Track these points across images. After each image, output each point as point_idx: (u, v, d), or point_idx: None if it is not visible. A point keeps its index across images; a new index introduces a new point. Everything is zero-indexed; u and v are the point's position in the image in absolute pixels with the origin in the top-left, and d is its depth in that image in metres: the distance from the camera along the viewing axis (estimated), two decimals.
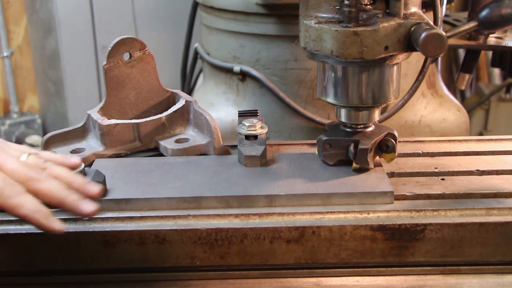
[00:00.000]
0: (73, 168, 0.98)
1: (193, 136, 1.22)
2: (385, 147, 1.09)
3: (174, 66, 2.40)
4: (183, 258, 0.97)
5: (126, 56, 1.22)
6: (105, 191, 1.02)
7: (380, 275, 0.99)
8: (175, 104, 1.25)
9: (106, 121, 1.18)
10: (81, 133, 1.22)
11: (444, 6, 1.70)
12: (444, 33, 0.95)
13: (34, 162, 0.92)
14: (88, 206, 0.89)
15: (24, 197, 0.86)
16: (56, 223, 0.86)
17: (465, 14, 1.70)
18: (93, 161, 1.15)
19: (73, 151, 1.17)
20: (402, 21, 0.98)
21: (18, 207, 0.85)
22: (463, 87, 1.67)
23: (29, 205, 0.85)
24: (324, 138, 1.10)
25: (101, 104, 1.23)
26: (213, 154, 1.17)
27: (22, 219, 0.86)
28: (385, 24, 0.97)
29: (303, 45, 1.04)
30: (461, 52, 2.73)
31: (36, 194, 0.87)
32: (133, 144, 1.20)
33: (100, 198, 1.01)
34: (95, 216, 0.99)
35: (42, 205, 0.87)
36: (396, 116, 1.65)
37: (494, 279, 0.98)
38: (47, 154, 0.97)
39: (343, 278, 0.99)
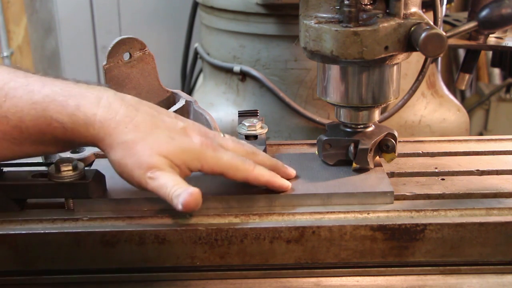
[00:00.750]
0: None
1: None
2: (385, 147, 1.09)
3: (174, 66, 2.40)
4: (183, 258, 0.97)
5: (126, 56, 1.22)
6: (105, 191, 1.02)
7: (380, 275, 0.99)
8: (175, 104, 1.25)
9: None
10: None
11: (444, 6, 1.71)
12: (444, 33, 0.95)
13: (232, 138, 1.04)
14: (293, 171, 1.06)
15: (258, 168, 1.00)
16: (287, 182, 1.02)
17: (465, 14, 1.70)
18: (93, 161, 1.15)
19: (73, 151, 1.17)
20: (402, 21, 0.98)
21: (260, 176, 0.99)
22: (463, 87, 1.67)
23: (265, 173, 1.00)
24: (324, 138, 1.10)
25: None
26: None
27: (264, 185, 1.00)
28: (385, 24, 0.97)
29: (303, 45, 1.04)
30: (461, 52, 2.73)
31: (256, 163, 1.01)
32: None
33: (100, 198, 1.01)
34: (96, 216, 0.99)
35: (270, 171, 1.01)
36: (396, 116, 1.65)
37: (494, 279, 0.98)
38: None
39: (343, 278, 0.99)
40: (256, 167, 0.99)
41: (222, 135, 1.03)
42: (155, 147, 0.92)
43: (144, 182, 0.91)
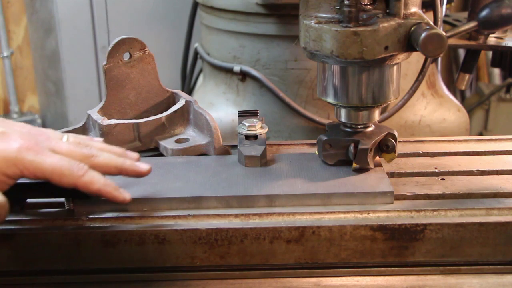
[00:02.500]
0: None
1: (193, 136, 1.22)
2: (385, 147, 1.09)
3: (174, 66, 2.40)
4: (183, 258, 0.97)
5: (126, 56, 1.22)
6: None
7: (380, 275, 0.99)
8: (175, 104, 1.25)
9: (106, 121, 1.18)
10: (81, 133, 1.21)
11: (444, 6, 1.71)
12: (444, 33, 0.95)
13: (76, 142, 0.97)
14: (145, 166, 0.99)
15: (92, 173, 0.93)
16: (125, 194, 0.96)
17: (465, 14, 1.70)
18: None
19: None
20: (402, 21, 0.98)
21: (90, 183, 0.92)
22: (463, 87, 1.67)
23: (100, 180, 0.93)
24: (324, 138, 1.10)
25: (101, 104, 1.23)
26: (213, 154, 1.17)
27: (95, 194, 0.93)
28: (385, 24, 0.97)
29: (303, 45, 1.04)
30: (461, 52, 2.73)
31: (94, 168, 0.94)
32: (133, 144, 1.20)
33: (100, 198, 1.01)
34: (96, 216, 0.99)
35: (108, 179, 0.94)
36: (396, 116, 1.66)
37: (494, 279, 0.98)
38: (75, 135, 1.01)
39: (343, 278, 0.99)
40: (88, 173, 0.92)
41: (65, 138, 0.96)
42: None
43: None
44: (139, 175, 0.99)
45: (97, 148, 0.98)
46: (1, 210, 0.86)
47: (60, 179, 0.91)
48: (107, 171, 0.96)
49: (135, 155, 1.02)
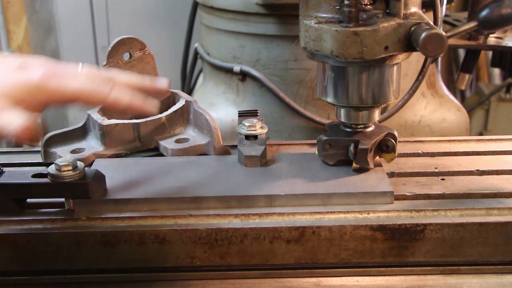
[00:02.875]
0: None
1: (193, 136, 1.22)
2: (385, 147, 1.09)
3: (174, 66, 2.40)
4: (183, 258, 0.97)
5: (126, 56, 1.22)
6: (105, 191, 1.02)
7: (380, 275, 0.99)
8: (175, 104, 1.25)
9: (106, 121, 1.17)
10: (81, 133, 1.21)
11: (444, 6, 1.71)
12: (444, 33, 0.95)
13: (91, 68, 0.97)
14: (164, 81, 1.00)
15: (117, 91, 0.92)
16: (151, 105, 0.95)
17: (465, 14, 1.70)
18: (93, 161, 1.15)
19: (73, 151, 1.17)
20: (402, 21, 0.98)
21: (118, 100, 0.92)
22: (463, 87, 1.67)
23: (126, 96, 0.93)
24: (324, 138, 1.10)
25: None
26: (213, 154, 1.17)
27: (124, 110, 0.95)
28: (385, 24, 0.97)
29: (303, 45, 1.04)
30: (461, 52, 2.73)
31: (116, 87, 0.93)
32: (133, 144, 1.20)
33: (100, 198, 1.01)
34: (96, 216, 0.99)
35: (133, 92, 0.94)
36: (396, 116, 1.66)
37: (494, 279, 0.98)
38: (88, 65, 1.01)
39: (343, 278, 0.99)
40: (113, 90, 0.92)
41: (80, 65, 0.96)
42: None
43: None
44: (159, 92, 1.00)
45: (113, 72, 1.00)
46: (34, 130, 0.84)
47: (88, 100, 0.91)
48: (128, 87, 0.96)
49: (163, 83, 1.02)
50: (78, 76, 0.93)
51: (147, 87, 0.99)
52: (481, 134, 2.92)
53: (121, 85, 0.95)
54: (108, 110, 1.02)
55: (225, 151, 1.17)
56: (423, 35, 0.94)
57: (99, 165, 1.12)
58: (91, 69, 0.96)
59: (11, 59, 0.93)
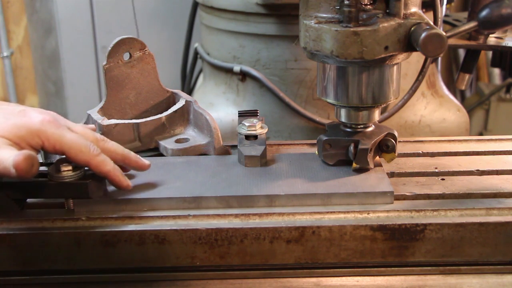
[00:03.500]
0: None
1: (193, 136, 1.22)
2: (385, 147, 1.09)
3: (174, 66, 2.40)
4: (183, 258, 0.97)
5: (126, 56, 1.22)
6: (105, 191, 1.02)
7: (380, 275, 0.99)
8: (175, 104, 1.25)
9: (106, 121, 1.18)
10: None
11: (444, 6, 1.71)
12: (444, 33, 0.95)
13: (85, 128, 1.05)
14: (146, 161, 1.05)
15: (104, 156, 0.99)
16: (128, 181, 1.01)
17: (465, 14, 1.70)
18: None
19: None
20: (402, 21, 0.98)
21: (103, 164, 0.98)
22: (463, 87, 1.67)
23: (110, 163, 0.99)
24: (324, 138, 1.10)
25: (101, 104, 1.23)
26: (213, 154, 1.17)
27: (104, 175, 0.98)
28: (385, 24, 0.97)
29: (303, 45, 1.04)
30: (461, 52, 2.73)
31: (104, 152, 1.00)
32: (133, 144, 1.20)
33: (100, 198, 1.01)
34: (96, 216, 0.99)
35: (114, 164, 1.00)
36: (396, 116, 1.66)
37: (494, 279, 0.98)
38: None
39: (343, 278, 0.99)
40: (101, 154, 0.98)
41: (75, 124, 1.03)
42: None
43: None
44: (140, 168, 1.05)
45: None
46: (31, 158, 0.88)
47: (77, 154, 0.96)
48: (113, 157, 1.01)
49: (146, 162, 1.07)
50: (74, 130, 0.99)
51: (131, 161, 1.04)
52: (481, 134, 2.92)
53: (109, 150, 1.01)
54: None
55: (225, 151, 1.17)
56: (423, 35, 0.94)
57: None
58: (86, 128, 1.03)
59: (13, 106, 0.99)
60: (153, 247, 0.96)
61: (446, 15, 1.80)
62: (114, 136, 1.17)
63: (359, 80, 1.05)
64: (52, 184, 0.98)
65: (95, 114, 1.20)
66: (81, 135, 0.99)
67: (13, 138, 0.93)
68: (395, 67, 1.06)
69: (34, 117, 0.96)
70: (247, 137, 1.15)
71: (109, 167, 0.98)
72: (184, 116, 1.24)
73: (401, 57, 1.03)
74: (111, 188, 1.03)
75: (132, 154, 1.04)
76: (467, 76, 1.64)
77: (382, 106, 1.10)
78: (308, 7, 1.03)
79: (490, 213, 0.99)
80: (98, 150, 0.98)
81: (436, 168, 1.12)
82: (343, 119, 1.11)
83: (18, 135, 0.93)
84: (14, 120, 0.94)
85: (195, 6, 2.07)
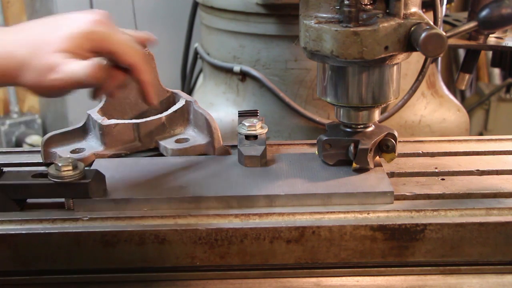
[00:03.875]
0: None
1: (193, 136, 1.22)
2: (385, 147, 1.09)
3: (174, 66, 2.40)
4: (183, 258, 0.97)
5: None
6: (105, 191, 1.02)
7: (380, 275, 0.99)
8: (175, 104, 1.25)
9: (106, 121, 1.17)
10: (81, 133, 1.21)
11: (444, 6, 1.71)
12: (444, 33, 0.95)
13: None
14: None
15: (148, 65, 0.99)
16: (157, 100, 1.08)
17: (465, 14, 1.70)
18: (93, 161, 1.15)
19: (73, 151, 1.17)
20: (402, 21, 0.98)
21: (145, 71, 0.98)
22: (463, 87, 1.67)
23: (150, 74, 1.00)
24: (324, 138, 1.10)
25: (101, 104, 1.23)
26: (213, 154, 1.17)
27: (142, 83, 0.99)
28: (385, 24, 0.97)
29: (303, 45, 1.04)
30: (461, 52, 2.73)
31: None
32: (133, 144, 1.20)
33: (100, 198, 1.01)
34: (96, 216, 0.99)
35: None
36: (396, 116, 1.66)
37: (494, 279, 0.98)
38: None
39: (343, 278, 0.99)
40: (147, 62, 1.00)
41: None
42: (47, 49, 0.92)
43: (56, 84, 0.92)
44: (150, 100, 1.03)
45: None
46: (100, 68, 0.91)
47: (124, 54, 0.95)
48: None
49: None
50: (123, 33, 0.99)
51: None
52: (481, 134, 2.93)
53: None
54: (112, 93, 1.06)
55: (225, 151, 1.17)
56: (423, 35, 0.94)
57: (99, 165, 1.12)
58: (134, 32, 1.03)
59: (60, 16, 0.99)
60: (153, 247, 0.96)
61: (446, 15, 1.80)
62: (114, 136, 1.17)
63: (359, 80, 1.05)
64: (52, 184, 0.98)
65: (95, 114, 1.20)
66: (134, 40, 0.98)
67: (70, 49, 0.92)
68: (395, 67, 1.06)
69: (82, 20, 0.95)
70: (247, 137, 1.15)
71: (150, 78, 0.99)
72: (184, 116, 1.24)
73: (401, 57, 1.03)
74: (111, 188, 1.03)
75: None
76: (467, 76, 1.64)
77: (382, 106, 1.10)
78: (308, 7, 1.03)
79: (490, 213, 0.99)
80: (144, 54, 0.98)
81: (436, 168, 1.12)
82: (343, 119, 1.11)
83: (73, 45, 0.93)
84: (67, 30, 0.94)
85: (195, 6, 2.07)
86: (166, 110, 1.24)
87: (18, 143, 3.16)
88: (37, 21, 0.99)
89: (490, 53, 2.01)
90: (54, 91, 0.94)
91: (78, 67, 0.91)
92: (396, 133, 1.10)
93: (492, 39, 1.60)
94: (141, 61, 0.97)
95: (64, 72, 0.91)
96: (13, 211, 1.01)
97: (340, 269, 0.99)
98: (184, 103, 1.23)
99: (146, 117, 1.21)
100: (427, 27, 0.96)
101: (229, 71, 1.72)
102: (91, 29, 0.94)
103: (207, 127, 1.18)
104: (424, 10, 1.03)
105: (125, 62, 0.96)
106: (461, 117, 1.78)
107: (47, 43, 0.93)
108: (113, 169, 1.10)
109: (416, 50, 0.98)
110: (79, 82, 0.91)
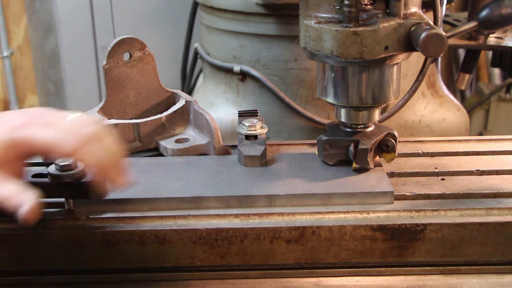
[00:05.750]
0: None
1: (193, 136, 1.22)
2: (385, 147, 1.09)
3: (174, 66, 2.40)
4: (183, 258, 0.97)
5: (126, 56, 1.22)
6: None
7: (380, 275, 0.99)
8: (175, 104, 1.25)
9: (106, 121, 1.18)
10: None
11: (444, 6, 1.71)
12: (444, 33, 0.95)
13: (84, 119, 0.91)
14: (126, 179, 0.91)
15: (90, 149, 0.86)
16: (123, 180, 0.91)
17: (465, 14, 1.70)
18: None
19: None
20: (402, 21, 0.98)
21: (87, 158, 0.87)
22: (463, 87, 1.67)
23: (97, 156, 0.87)
24: (324, 138, 1.10)
25: (101, 104, 1.23)
26: (213, 154, 1.17)
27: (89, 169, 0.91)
28: (385, 24, 0.97)
29: (303, 45, 1.04)
30: (461, 52, 2.72)
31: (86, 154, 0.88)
32: (133, 144, 1.20)
33: (100, 198, 1.01)
34: (96, 216, 0.99)
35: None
36: (396, 116, 1.66)
37: (494, 279, 0.98)
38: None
39: (343, 278, 0.99)
40: (86, 146, 0.86)
41: (73, 116, 0.89)
42: None
43: None
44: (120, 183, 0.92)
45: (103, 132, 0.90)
46: (36, 209, 0.86)
47: (55, 150, 0.86)
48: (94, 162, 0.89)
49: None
50: (54, 125, 0.87)
51: (114, 167, 0.91)
52: (481, 134, 2.92)
53: (102, 145, 0.88)
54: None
55: (225, 151, 1.17)
56: (423, 35, 0.94)
57: None
58: (77, 120, 0.88)
59: (12, 115, 0.90)
60: (153, 247, 0.96)
61: (446, 15, 1.80)
62: (114, 136, 1.17)
63: (359, 80, 1.05)
64: (52, 184, 0.98)
65: (95, 114, 1.20)
66: (65, 127, 0.87)
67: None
68: (395, 67, 1.06)
69: (4, 127, 0.87)
70: (247, 137, 1.15)
71: (97, 159, 0.87)
72: (184, 116, 1.24)
73: (401, 57, 1.03)
74: (111, 188, 1.03)
75: (120, 165, 0.90)
76: (467, 76, 1.64)
77: (382, 106, 1.10)
78: (308, 7, 1.03)
79: (490, 213, 0.99)
80: (78, 140, 0.85)
81: (436, 168, 1.12)
82: (343, 119, 1.11)
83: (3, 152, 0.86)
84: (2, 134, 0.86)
85: (195, 6, 2.07)
86: (166, 110, 1.24)
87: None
88: None
89: (490, 53, 2.01)
90: None
91: (6, 194, 0.85)
92: (396, 133, 1.10)
93: (492, 39, 1.60)
94: (78, 147, 0.85)
95: None
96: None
97: (340, 269, 0.99)
98: (184, 103, 1.23)
99: (146, 117, 1.22)
100: (427, 27, 0.96)
101: (229, 71, 1.72)
102: (11, 137, 0.86)
103: (207, 127, 1.18)
104: (424, 10, 1.03)
105: (62, 156, 0.89)
106: (461, 117, 1.78)
107: None
108: None
109: (416, 50, 0.98)
110: (6, 208, 0.86)
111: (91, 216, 0.99)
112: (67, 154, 0.87)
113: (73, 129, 0.87)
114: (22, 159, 0.90)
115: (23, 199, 0.85)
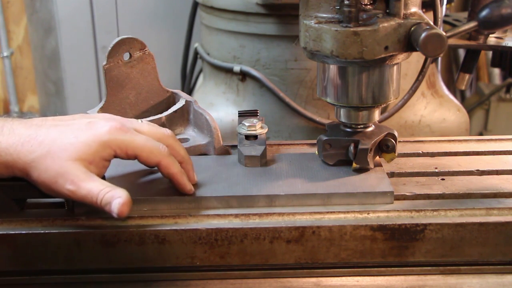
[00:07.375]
0: None
1: (193, 136, 1.22)
2: (385, 147, 1.09)
3: (174, 66, 2.40)
4: (183, 258, 0.97)
5: (126, 56, 1.22)
6: None
7: (380, 275, 0.99)
8: (175, 104, 1.25)
9: None
10: None
11: (444, 6, 1.71)
12: (444, 33, 0.95)
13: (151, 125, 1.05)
14: (195, 178, 1.05)
15: (172, 157, 0.99)
16: (191, 186, 1.01)
17: (465, 14, 1.70)
18: None
19: None
20: (402, 21, 0.98)
21: (172, 165, 0.99)
22: (463, 87, 1.67)
23: (176, 165, 1.00)
24: (324, 138, 1.10)
25: (101, 104, 1.23)
26: (213, 154, 1.17)
27: (169, 176, 0.99)
28: (385, 24, 0.97)
29: (303, 45, 1.04)
30: (461, 52, 2.72)
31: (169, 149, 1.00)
32: None
33: None
34: (95, 216, 0.99)
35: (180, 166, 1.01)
36: (396, 116, 1.65)
37: (494, 279, 0.98)
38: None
39: (343, 278, 0.99)
40: (170, 156, 0.99)
41: (140, 121, 1.04)
42: (62, 155, 0.92)
43: (69, 194, 0.92)
44: (191, 180, 1.03)
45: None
46: (129, 202, 0.92)
47: (148, 157, 0.97)
48: (175, 155, 1.01)
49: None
50: (141, 130, 0.99)
51: (188, 167, 1.03)
52: (481, 134, 2.92)
53: (173, 148, 1.01)
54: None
55: (225, 151, 1.17)
56: (423, 35, 0.94)
57: None
58: (152, 126, 1.03)
59: (79, 121, 0.98)
60: (153, 247, 0.96)
61: (446, 15, 1.80)
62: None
63: (359, 80, 1.05)
64: None
65: (95, 114, 1.20)
66: (149, 135, 0.99)
67: (87, 157, 0.93)
68: (395, 67, 1.06)
69: (101, 128, 0.95)
70: (247, 137, 1.15)
71: (177, 169, 0.99)
72: (184, 116, 1.24)
73: (401, 57, 1.03)
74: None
75: (190, 164, 1.04)
76: (467, 76, 1.64)
77: (382, 106, 1.10)
78: (308, 7, 1.03)
79: (490, 213, 0.99)
80: (166, 150, 0.98)
81: (436, 168, 1.12)
82: (343, 119, 1.11)
83: (91, 153, 0.93)
84: (84, 137, 0.94)
85: (195, 6, 2.07)
86: (166, 110, 1.24)
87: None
88: (56, 120, 0.99)
89: (490, 53, 2.01)
90: (63, 197, 0.96)
91: (96, 189, 0.91)
92: (396, 133, 1.10)
93: (492, 39, 1.60)
94: (165, 158, 0.98)
95: (81, 188, 0.91)
96: (13, 211, 1.01)
97: (340, 269, 0.99)
98: (184, 103, 1.23)
99: (146, 117, 1.21)
100: (427, 27, 0.96)
101: (229, 71, 1.72)
102: (110, 138, 0.95)
103: (207, 127, 1.18)
104: (424, 10, 1.03)
105: (151, 163, 0.98)
106: (461, 117, 1.78)
107: (63, 148, 0.93)
108: (112, 169, 1.10)
109: (416, 50, 0.98)
110: (93, 203, 0.92)
111: (91, 216, 0.99)
112: (157, 161, 0.98)
113: (157, 134, 1.00)
114: (109, 160, 0.96)
115: (115, 194, 0.91)
